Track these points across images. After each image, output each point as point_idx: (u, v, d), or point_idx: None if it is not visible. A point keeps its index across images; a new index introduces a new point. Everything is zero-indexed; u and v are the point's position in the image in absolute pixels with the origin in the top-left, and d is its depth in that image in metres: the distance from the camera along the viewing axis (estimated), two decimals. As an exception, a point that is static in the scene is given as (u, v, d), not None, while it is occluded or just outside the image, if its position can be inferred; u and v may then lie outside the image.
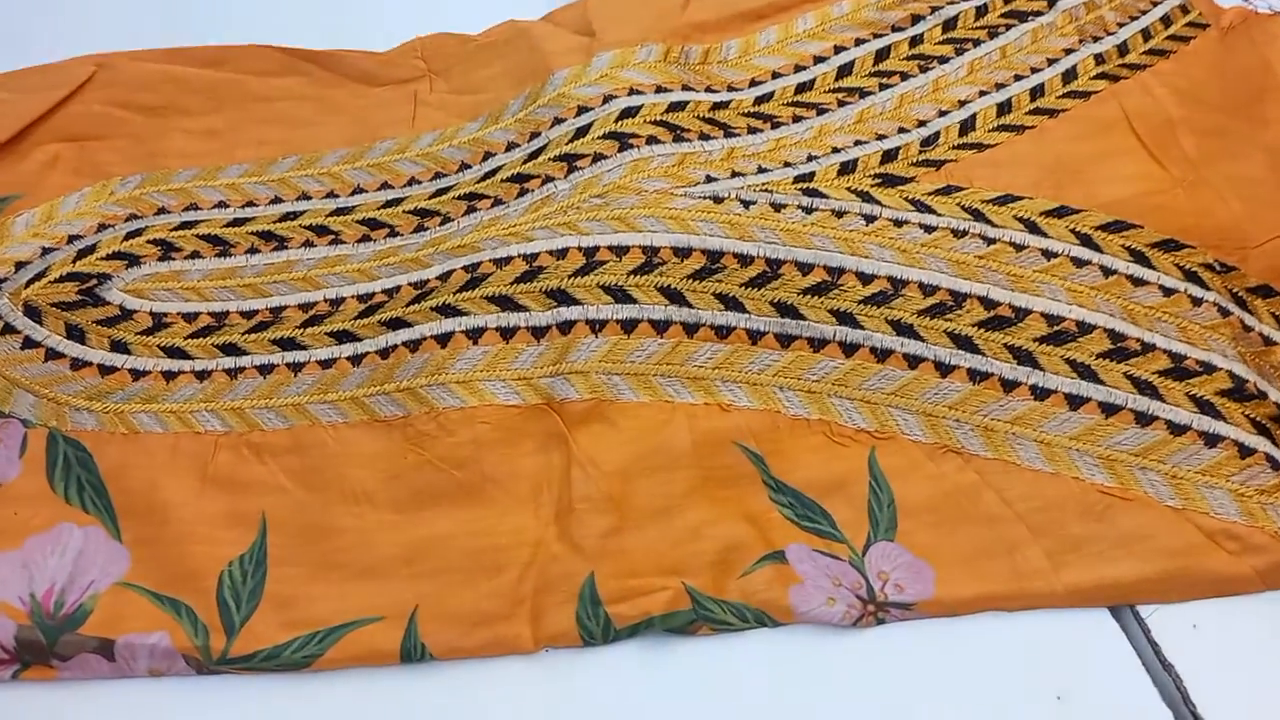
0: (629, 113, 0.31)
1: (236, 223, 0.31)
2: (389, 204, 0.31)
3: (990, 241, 0.29)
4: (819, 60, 0.34)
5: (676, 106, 0.31)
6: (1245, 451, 0.26)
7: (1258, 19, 0.38)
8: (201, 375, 0.28)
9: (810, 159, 0.31)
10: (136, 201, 0.32)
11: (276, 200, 0.32)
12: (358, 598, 0.25)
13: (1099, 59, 0.34)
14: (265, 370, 0.28)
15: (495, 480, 0.26)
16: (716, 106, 0.32)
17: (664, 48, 0.33)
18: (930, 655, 0.25)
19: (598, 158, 0.30)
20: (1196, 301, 0.28)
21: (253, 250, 0.31)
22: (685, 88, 0.32)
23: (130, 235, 0.31)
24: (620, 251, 0.28)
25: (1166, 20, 0.36)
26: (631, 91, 0.31)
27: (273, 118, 0.34)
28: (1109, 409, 0.27)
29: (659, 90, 0.32)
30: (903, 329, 0.27)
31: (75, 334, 0.29)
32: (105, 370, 0.28)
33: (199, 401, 0.28)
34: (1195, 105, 0.34)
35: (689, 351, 0.27)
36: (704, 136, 0.31)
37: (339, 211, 0.31)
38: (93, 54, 0.36)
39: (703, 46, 0.34)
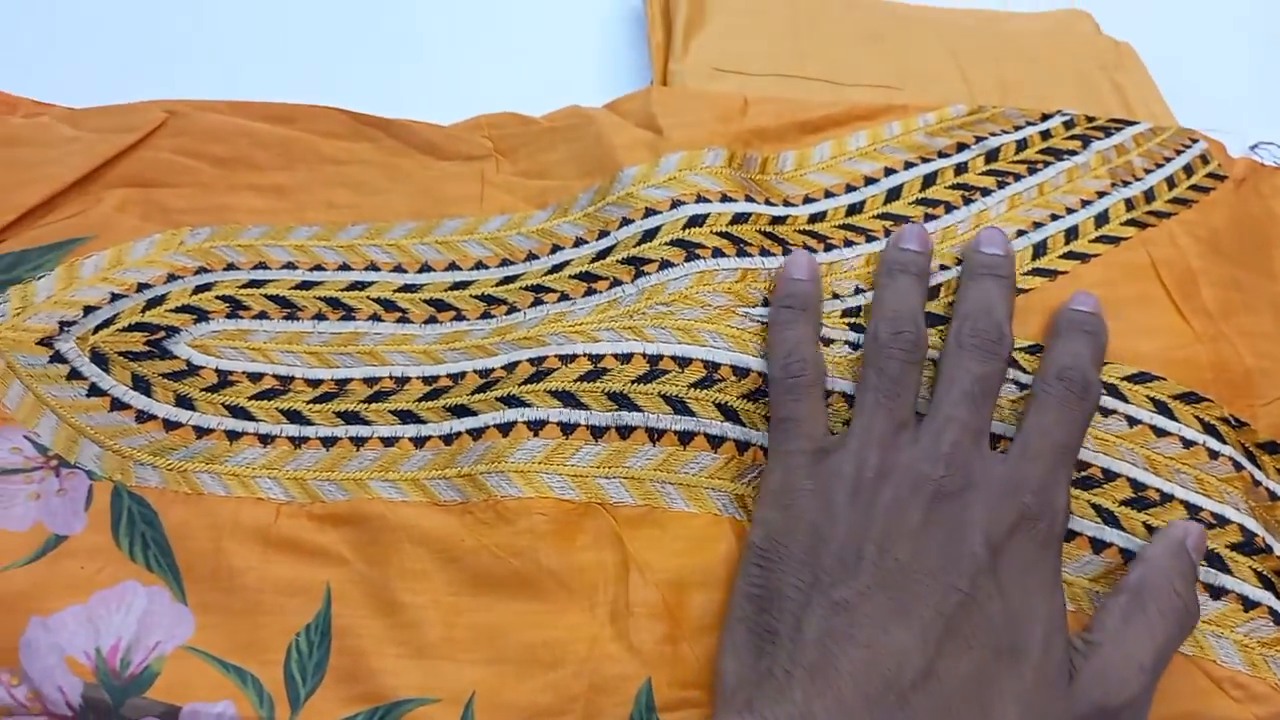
0: (696, 221, 0.32)
1: (304, 286, 0.32)
2: (456, 286, 0.32)
3: (1023, 388, 0.30)
4: (869, 181, 0.36)
5: (740, 218, 0.33)
6: (1249, 605, 0.28)
7: (1264, 172, 0.41)
8: (265, 440, 0.29)
9: (858, 291, 0.32)
10: (206, 254, 0.33)
11: (344, 267, 0.33)
12: (415, 675, 0.26)
13: (1129, 204, 0.36)
14: (329, 443, 0.29)
15: (551, 573, 0.27)
16: (775, 221, 0.34)
17: (729, 153, 0.35)
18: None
19: (665, 264, 0.31)
20: (1214, 455, 0.30)
21: (320, 317, 0.32)
22: (748, 198, 0.34)
23: (199, 289, 0.32)
24: (683, 363, 0.29)
25: (1189, 169, 0.38)
26: (699, 198, 0.33)
27: (341, 180, 0.35)
28: (1128, 555, 0.28)
29: (724, 199, 0.33)
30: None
31: (141, 385, 0.30)
32: (170, 425, 0.29)
33: (261, 467, 0.28)
34: (1214, 256, 0.36)
35: (739, 468, 0.29)
36: (764, 252, 0.32)
37: (406, 288, 0.32)
38: (161, 100, 0.37)
39: (761, 155, 0.36)
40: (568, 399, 0.29)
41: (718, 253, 0.31)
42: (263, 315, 0.31)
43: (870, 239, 0.34)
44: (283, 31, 0.44)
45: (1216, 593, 0.28)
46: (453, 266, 0.33)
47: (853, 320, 0.31)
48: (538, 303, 0.32)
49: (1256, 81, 0.48)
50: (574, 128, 0.37)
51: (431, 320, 0.32)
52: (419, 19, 0.45)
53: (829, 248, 0.33)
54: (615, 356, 0.29)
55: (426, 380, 0.30)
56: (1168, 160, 0.39)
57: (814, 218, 0.34)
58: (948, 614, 0.22)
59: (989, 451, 0.26)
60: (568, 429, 0.29)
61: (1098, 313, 0.30)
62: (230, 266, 0.33)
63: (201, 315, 0.31)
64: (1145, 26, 0.48)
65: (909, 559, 0.23)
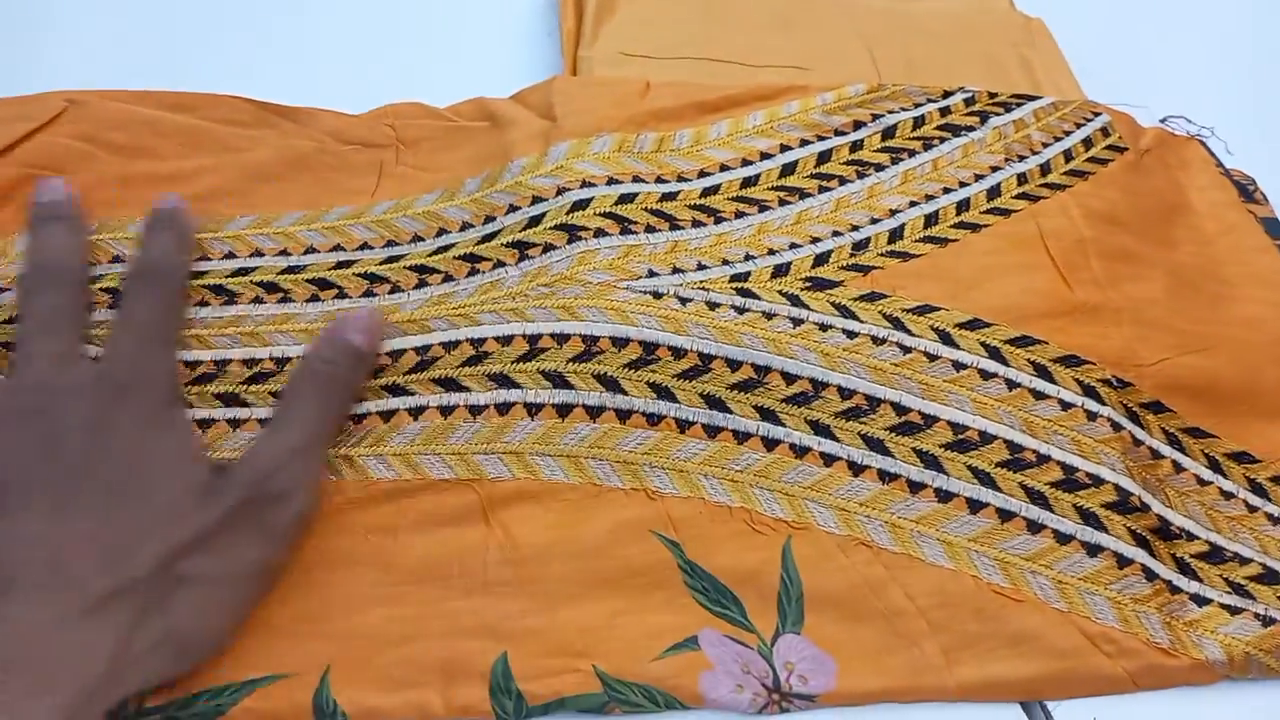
0: (580, 205, 0.32)
1: (190, 275, 0.32)
2: (340, 265, 0.32)
3: (906, 350, 0.31)
4: (765, 157, 0.36)
5: (626, 199, 0.33)
6: (1123, 562, 0.29)
7: (1174, 143, 0.42)
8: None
9: (747, 258, 0.32)
10: (91, 248, 0.32)
11: (230, 255, 0.33)
12: (266, 652, 0.26)
13: (1021, 178, 0.37)
14: (205, 425, 0.29)
15: (410, 548, 0.27)
16: (665, 198, 0.34)
17: (619, 138, 0.35)
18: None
19: (548, 248, 0.32)
20: (1092, 416, 0.31)
21: (202, 303, 0.31)
22: (636, 179, 0.34)
23: (83, 281, 0.31)
24: (561, 339, 0.29)
25: (1088, 142, 0.39)
26: (584, 184, 0.33)
27: (239, 168, 0.35)
28: (1005, 515, 0.29)
29: (610, 182, 0.33)
30: (820, 429, 0.29)
31: (20, 378, 0.29)
32: (47, 417, 0.29)
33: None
34: (1107, 227, 0.36)
35: (620, 436, 0.29)
36: (650, 229, 0.32)
37: (290, 270, 0.32)
38: (63, 90, 0.37)
39: (657, 134, 0.36)
40: (449, 384, 0.29)
41: (600, 233, 0.32)
42: (146, 305, 0.31)
43: (764, 209, 0.34)
44: (188, 22, 0.43)
45: (1092, 550, 0.29)
46: (337, 248, 0.33)
47: (739, 285, 0.32)
48: (422, 284, 0.32)
49: (1169, 57, 0.48)
50: (478, 130, 0.37)
51: (314, 299, 0.31)
52: (333, 5, 0.45)
53: (719, 220, 0.34)
54: (496, 339, 0.30)
55: (308, 363, 0.30)
56: (1067, 134, 0.39)
57: (706, 191, 0.34)
58: (53, 493, 0.25)
59: (82, 362, 0.28)
60: (446, 410, 0.29)
61: (178, 206, 0.32)
62: (116, 259, 0.32)
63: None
64: (1061, 2, 0.48)
65: (16, 477, 0.25)
